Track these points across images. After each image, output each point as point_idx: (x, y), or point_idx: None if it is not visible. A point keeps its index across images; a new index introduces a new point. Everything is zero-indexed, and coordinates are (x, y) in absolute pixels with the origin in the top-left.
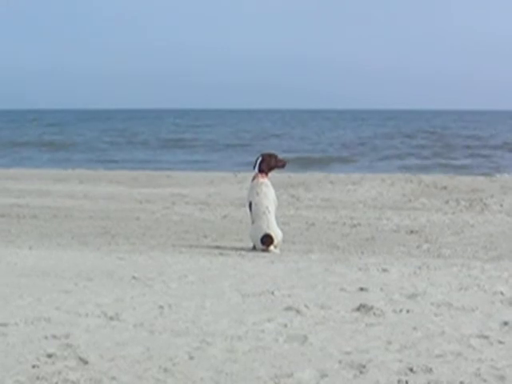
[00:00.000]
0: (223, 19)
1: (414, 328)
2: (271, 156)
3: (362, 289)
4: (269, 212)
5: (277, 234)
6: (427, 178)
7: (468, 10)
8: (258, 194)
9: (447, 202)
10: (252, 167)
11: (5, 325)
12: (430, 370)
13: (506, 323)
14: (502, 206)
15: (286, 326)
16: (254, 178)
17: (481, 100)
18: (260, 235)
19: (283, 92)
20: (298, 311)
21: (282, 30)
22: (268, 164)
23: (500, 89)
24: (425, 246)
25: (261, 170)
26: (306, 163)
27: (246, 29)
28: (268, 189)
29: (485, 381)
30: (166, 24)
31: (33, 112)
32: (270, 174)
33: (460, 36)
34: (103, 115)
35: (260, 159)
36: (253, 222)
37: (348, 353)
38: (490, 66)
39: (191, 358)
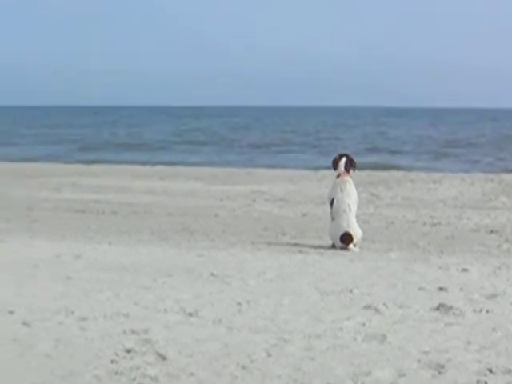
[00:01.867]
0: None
1: (494, 328)
2: (352, 157)
3: (441, 288)
4: (350, 210)
5: (356, 233)
6: (508, 177)
7: None
8: (341, 190)
9: None
10: (332, 167)
11: (84, 319)
12: (510, 371)
13: None
14: None
15: (364, 324)
16: (338, 176)
17: None
18: (340, 233)
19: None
20: (376, 310)
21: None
22: (352, 164)
23: None
24: (505, 246)
25: (346, 169)
26: None
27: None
28: (351, 187)
29: None
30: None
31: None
32: (352, 173)
33: None
34: (163, 112)
35: (345, 159)
36: (333, 220)
37: (427, 352)
38: None
39: (269, 355)
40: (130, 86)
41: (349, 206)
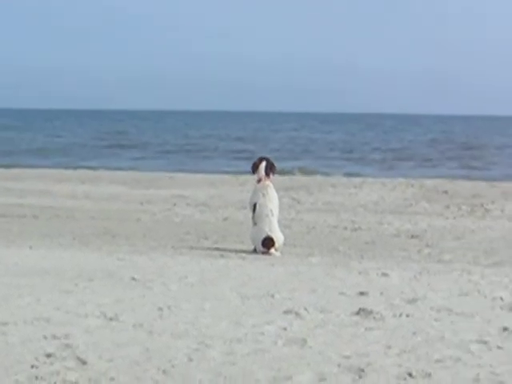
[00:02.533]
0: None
1: (414, 333)
2: (272, 161)
3: (361, 293)
4: (272, 215)
5: (278, 237)
6: (428, 182)
7: None
8: (263, 195)
9: (448, 207)
10: (251, 170)
11: (4, 324)
12: (429, 375)
13: (505, 329)
14: (502, 211)
15: (285, 329)
16: (259, 181)
17: None
18: (262, 237)
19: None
20: (297, 314)
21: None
22: (272, 168)
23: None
24: (425, 251)
25: (266, 173)
26: None
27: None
28: (273, 192)
29: None
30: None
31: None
32: (271, 177)
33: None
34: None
35: (265, 163)
36: (255, 224)
37: (347, 357)
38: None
39: (190, 359)
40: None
41: (271, 210)
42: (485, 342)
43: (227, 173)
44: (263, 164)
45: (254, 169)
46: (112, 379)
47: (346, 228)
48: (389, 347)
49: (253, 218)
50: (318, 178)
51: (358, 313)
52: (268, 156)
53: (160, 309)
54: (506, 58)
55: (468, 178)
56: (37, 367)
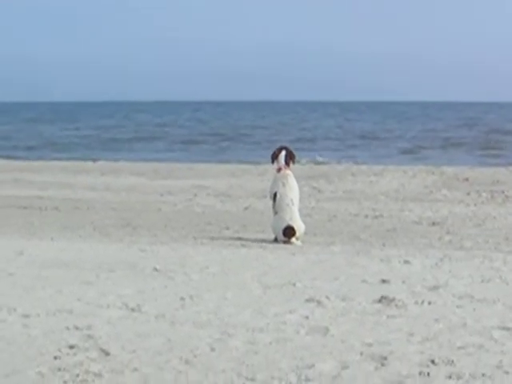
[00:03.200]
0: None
1: (436, 320)
2: (291, 149)
3: (383, 281)
4: (293, 204)
5: (299, 226)
6: (449, 169)
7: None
8: (284, 185)
9: (469, 194)
10: (271, 160)
11: (27, 316)
12: (452, 362)
13: None
14: None
15: (307, 317)
16: (279, 170)
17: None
18: (282, 227)
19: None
20: (319, 303)
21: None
22: (291, 157)
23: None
24: (446, 238)
25: (286, 162)
26: None
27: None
28: (293, 181)
29: (507, 373)
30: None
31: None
32: (291, 166)
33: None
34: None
35: (285, 152)
36: (275, 214)
37: (369, 344)
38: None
39: (212, 349)
40: None
41: (291, 200)
42: (507, 329)
43: (247, 162)
44: (283, 153)
45: (274, 158)
46: (135, 370)
47: (367, 216)
48: (411, 335)
49: (273, 207)
50: (338, 166)
51: (379, 300)
52: (287, 145)
53: (182, 299)
54: None
55: (489, 164)
56: (60, 358)
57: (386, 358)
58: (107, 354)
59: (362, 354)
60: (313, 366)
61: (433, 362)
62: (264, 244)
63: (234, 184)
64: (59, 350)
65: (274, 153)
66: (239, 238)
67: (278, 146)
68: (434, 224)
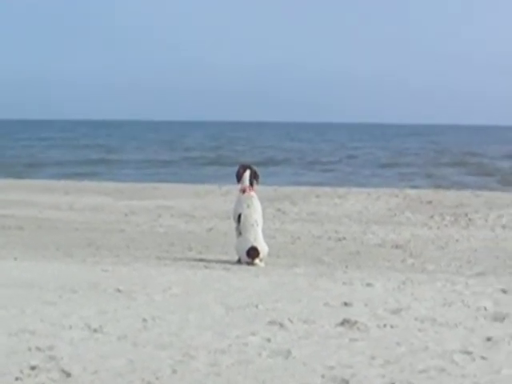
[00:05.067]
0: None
1: (398, 343)
2: (256, 169)
3: (346, 303)
4: (257, 225)
5: (263, 248)
6: (412, 192)
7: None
8: (248, 206)
9: (432, 217)
10: (236, 179)
11: None
12: None
13: (489, 339)
14: (486, 221)
15: (269, 340)
16: (243, 191)
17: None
18: (246, 248)
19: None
20: (281, 325)
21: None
22: (256, 177)
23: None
24: (409, 261)
25: (251, 183)
26: None
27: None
28: (257, 202)
29: None
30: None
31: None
32: (255, 187)
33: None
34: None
35: (249, 172)
36: (239, 235)
37: (331, 367)
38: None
39: (174, 371)
40: None
41: (256, 221)
42: (469, 353)
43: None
44: (247, 173)
45: (239, 177)
46: None
47: (330, 238)
48: (373, 358)
49: (237, 228)
50: (302, 188)
51: (342, 323)
52: (250, 164)
53: (144, 320)
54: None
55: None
56: (21, 379)
57: (347, 382)
58: (69, 375)
59: (323, 376)
60: None
61: None
62: (227, 265)
63: (197, 204)
64: (21, 371)
65: (239, 172)
66: (202, 259)
67: (241, 164)
68: (396, 247)
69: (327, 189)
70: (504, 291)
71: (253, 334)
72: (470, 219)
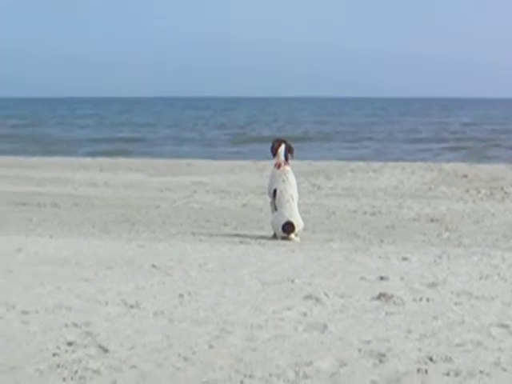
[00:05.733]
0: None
1: (434, 317)
2: (290, 143)
3: (382, 278)
4: (293, 200)
5: (298, 223)
6: (447, 166)
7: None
8: (284, 181)
9: (467, 191)
10: (271, 153)
11: (26, 313)
12: (450, 359)
13: None
14: None
15: (305, 314)
16: (278, 166)
17: None
18: (282, 222)
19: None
20: (317, 300)
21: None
22: (290, 151)
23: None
24: (445, 235)
25: (286, 157)
26: None
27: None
28: (292, 177)
29: (504, 370)
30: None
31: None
32: (290, 162)
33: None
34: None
35: (283, 146)
36: (275, 210)
37: (368, 341)
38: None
39: (211, 346)
40: None
41: (291, 196)
42: (505, 326)
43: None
44: (282, 147)
45: (274, 151)
46: (133, 367)
47: (365, 212)
48: (409, 332)
49: (272, 203)
50: (337, 162)
51: (378, 297)
52: (285, 138)
53: (180, 295)
54: None
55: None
56: (58, 355)
57: (384, 355)
58: (106, 350)
59: (360, 350)
60: (311, 363)
61: (431, 359)
62: (263, 241)
63: (232, 180)
64: (58, 347)
65: (274, 146)
66: (238, 235)
67: (275, 139)
68: (432, 221)
69: (362, 163)
70: None
71: (289, 308)
72: (505, 193)
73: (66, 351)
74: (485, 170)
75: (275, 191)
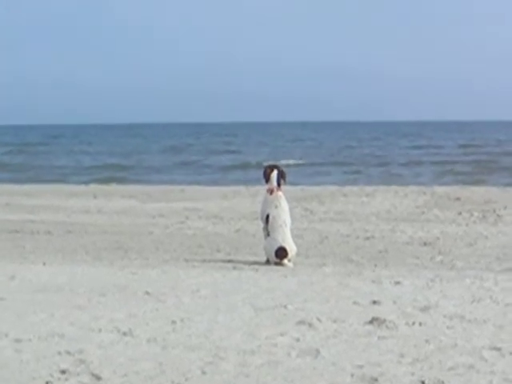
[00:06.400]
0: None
1: (427, 341)
2: (282, 169)
3: (374, 302)
4: (286, 226)
5: (291, 248)
6: (440, 189)
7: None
8: (276, 207)
9: (460, 214)
10: (264, 178)
11: (19, 341)
12: (442, 383)
13: None
14: None
15: (298, 340)
16: (271, 191)
17: None
18: (275, 248)
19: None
20: (310, 325)
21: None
22: (283, 176)
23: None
24: (438, 258)
25: (278, 183)
26: None
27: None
28: (285, 203)
29: None
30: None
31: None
32: (283, 187)
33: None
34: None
35: (276, 172)
36: (267, 235)
37: (360, 366)
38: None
39: (204, 372)
40: None
41: (284, 221)
42: (498, 349)
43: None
44: (275, 173)
45: (266, 177)
46: None
47: (358, 237)
48: (402, 356)
49: (265, 229)
50: (330, 187)
51: (371, 322)
52: (277, 163)
53: (173, 322)
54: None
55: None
56: (51, 383)
57: (376, 380)
58: (99, 378)
59: (352, 375)
60: None
61: (423, 383)
62: (256, 266)
63: (225, 206)
64: (51, 375)
65: (266, 172)
66: (231, 261)
67: (268, 164)
68: (425, 244)
69: (354, 187)
70: None
71: (282, 334)
72: (498, 215)
73: (59, 379)
74: (477, 192)
75: (268, 217)
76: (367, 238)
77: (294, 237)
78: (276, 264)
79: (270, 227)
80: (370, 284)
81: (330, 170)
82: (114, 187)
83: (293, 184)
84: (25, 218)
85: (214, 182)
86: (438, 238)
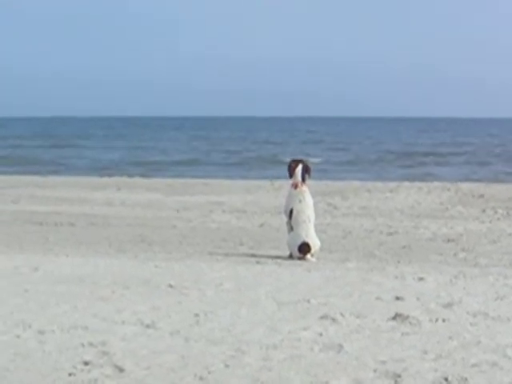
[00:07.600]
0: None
1: (450, 337)
2: (307, 163)
3: (398, 298)
4: (309, 221)
5: (315, 243)
6: (464, 186)
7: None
8: (300, 201)
9: (484, 211)
10: (288, 173)
11: (42, 332)
12: (466, 380)
13: None
14: None
15: (321, 334)
16: (295, 186)
17: None
18: (298, 243)
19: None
20: (333, 320)
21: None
22: (308, 171)
23: None
24: (461, 255)
25: (303, 178)
26: None
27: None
28: (309, 197)
29: None
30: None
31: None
32: (307, 182)
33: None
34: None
35: (301, 166)
36: (291, 230)
37: (383, 362)
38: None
39: (226, 366)
40: None
41: (308, 216)
42: None
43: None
44: (299, 167)
45: (291, 172)
46: None
47: (381, 232)
48: (425, 352)
49: (289, 223)
50: (353, 182)
51: (394, 318)
52: (302, 157)
53: (196, 315)
54: None
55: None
56: (74, 375)
57: (399, 376)
58: (121, 370)
59: (375, 371)
60: (326, 383)
61: (446, 379)
62: (279, 260)
63: (249, 200)
64: (74, 367)
65: (291, 166)
66: (254, 255)
67: (292, 159)
68: (448, 241)
69: (378, 183)
70: None
71: (305, 328)
72: None
73: (82, 371)
74: (501, 189)
75: (292, 211)
76: (390, 234)
77: (318, 232)
78: (299, 259)
79: (293, 222)
80: (393, 280)
81: (355, 166)
82: (137, 180)
83: (317, 179)
84: (49, 210)
85: (239, 176)
86: (461, 235)
